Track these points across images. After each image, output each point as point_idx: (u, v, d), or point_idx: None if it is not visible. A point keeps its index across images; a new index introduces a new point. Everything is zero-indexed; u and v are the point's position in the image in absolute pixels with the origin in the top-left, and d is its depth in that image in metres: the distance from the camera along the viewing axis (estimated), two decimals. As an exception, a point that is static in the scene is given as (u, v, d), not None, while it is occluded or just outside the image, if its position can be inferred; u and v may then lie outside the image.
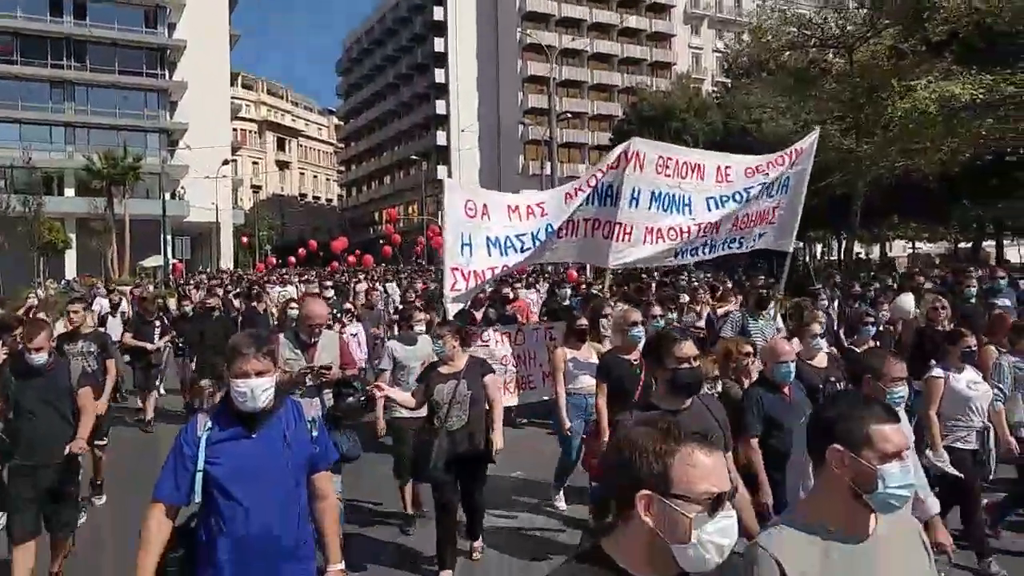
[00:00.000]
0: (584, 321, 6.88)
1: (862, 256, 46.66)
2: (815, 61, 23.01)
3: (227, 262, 51.78)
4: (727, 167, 8.14)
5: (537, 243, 7.59)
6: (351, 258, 36.04)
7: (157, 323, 11.16)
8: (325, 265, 35.51)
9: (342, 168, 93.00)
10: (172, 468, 2.97)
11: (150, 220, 43.28)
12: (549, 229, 7.59)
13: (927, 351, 6.76)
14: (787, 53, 22.59)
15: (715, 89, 43.26)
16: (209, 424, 3.00)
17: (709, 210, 8.03)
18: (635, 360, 5.73)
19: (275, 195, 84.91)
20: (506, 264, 7.66)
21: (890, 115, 16.33)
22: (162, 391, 12.28)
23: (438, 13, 66.09)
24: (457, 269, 7.27)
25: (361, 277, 19.75)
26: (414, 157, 66.95)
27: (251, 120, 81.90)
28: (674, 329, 4.47)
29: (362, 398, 5.38)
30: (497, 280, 10.54)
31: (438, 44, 66.31)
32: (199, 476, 2.92)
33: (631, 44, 67.74)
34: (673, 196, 7.91)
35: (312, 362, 5.12)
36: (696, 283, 14.03)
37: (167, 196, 45.77)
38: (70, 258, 46.40)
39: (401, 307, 11.41)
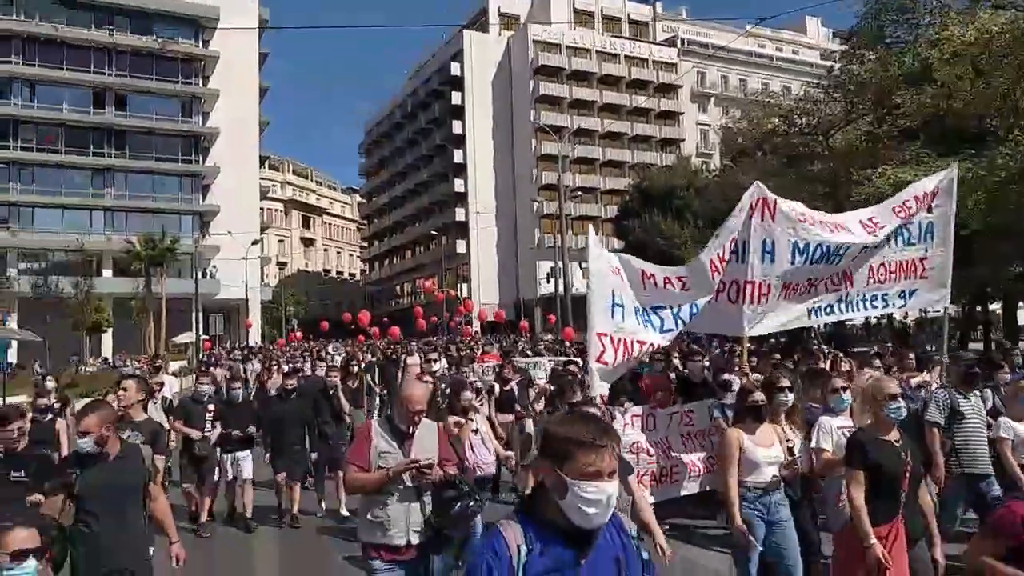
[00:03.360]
0: (760, 396, 5.49)
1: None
2: (803, 144, 25.03)
3: (256, 338, 53.80)
4: (871, 217, 7.07)
5: (680, 324, 6.50)
6: (375, 330, 37.58)
7: (211, 407, 9.36)
8: (350, 338, 37.03)
9: (365, 244, 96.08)
10: None
11: (182, 298, 45.65)
12: (695, 309, 6.50)
13: None
14: (775, 138, 24.66)
15: (723, 164, 45.54)
16: (523, 543, 2.15)
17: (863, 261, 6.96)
18: (897, 440, 4.67)
19: (300, 271, 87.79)
20: (652, 343, 6.58)
21: (860, 197, 18.06)
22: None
23: (456, 98, 69.57)
24: (605, 335, 6.15)
25: (412, 349, 19.01)
26: (434, 233, 69.61)
27: (278, 200, 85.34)
28: None
29: (471, 504, 4.41)
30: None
31: (456, 127, 69.62)
32: None
33: (640, 123, 70.73)
34: (828, 247, 6.66)
35: (409, 455, 4.35)
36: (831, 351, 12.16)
37: (199, 275, 48.26)
38: (106, 337, 48.60)
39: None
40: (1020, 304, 30.19)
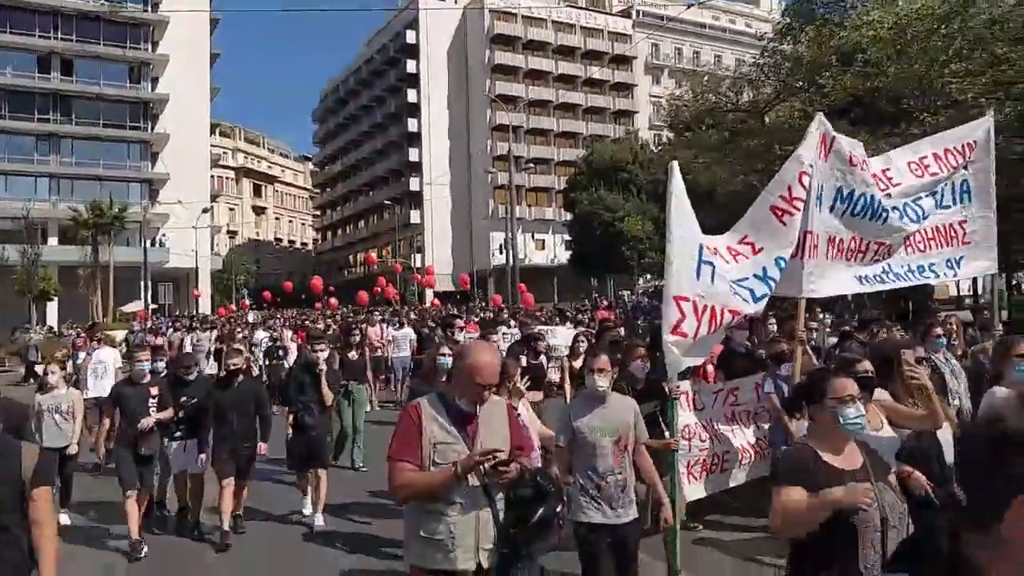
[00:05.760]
0: (867, 366, 4.15)
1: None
2: (739, 120, 25.88)
3: (206, 307, 53.59)
4: (886, 168, 6.20)
5: (771, 285, 5.19)
6: (332, 301, 37.49)
7: (154, 390, 7.37)
8: (304, 307, 37.08)
9: (317, 213, 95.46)
10: None
11: (131, 267, 45.23)
12: (781, 264, 5.24)
13: None
14: (716, 114, 25.47)
15: (666, 138, 46.49)
16: None
17: (891, 222, 6.08)
18: None
19: (251, 240, 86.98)
20: (744, 313, 5.31)
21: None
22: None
23: (411, 66, 69.27)
24: (686, 299, 4.75)
25: (374, 320, 17.66)
26: (387, 202, 69.59)
27: (229, 167, 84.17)
28: None
29: (557, 507, 3.31)
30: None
31: (411, 95, 69.40)
32: None
33: (595, 94, 71.27)
34: (873, 199, 5.84)
35: (475, 444, 3.25)
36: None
37: (148, 243, 47.78)
38: (52, 306, 47.99)
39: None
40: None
